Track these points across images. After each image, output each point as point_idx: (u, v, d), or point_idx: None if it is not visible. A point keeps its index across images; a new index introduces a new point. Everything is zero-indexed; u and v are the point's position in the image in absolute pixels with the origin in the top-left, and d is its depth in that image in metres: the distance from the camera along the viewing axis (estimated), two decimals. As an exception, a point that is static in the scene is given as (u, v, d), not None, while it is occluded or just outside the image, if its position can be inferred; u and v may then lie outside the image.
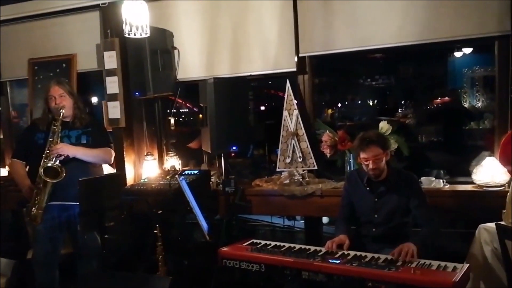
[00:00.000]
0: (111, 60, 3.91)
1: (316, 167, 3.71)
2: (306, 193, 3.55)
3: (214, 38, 3.85)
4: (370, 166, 2.87)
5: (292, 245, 2.95)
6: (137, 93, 3.73)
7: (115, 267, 3.66)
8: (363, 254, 2.73)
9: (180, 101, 6.79)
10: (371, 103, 8.72)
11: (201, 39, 3.89)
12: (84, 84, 4.36)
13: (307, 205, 3.57)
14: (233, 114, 3.43)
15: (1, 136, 4.81)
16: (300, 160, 3.71)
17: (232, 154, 4.54)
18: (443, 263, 2.51)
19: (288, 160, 3.74)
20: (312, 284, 2.64)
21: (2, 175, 4.58)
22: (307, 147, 3.69)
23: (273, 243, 3.02)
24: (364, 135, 2.93)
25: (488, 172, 3.25)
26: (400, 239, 2.82)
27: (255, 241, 3.08)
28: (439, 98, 7.77)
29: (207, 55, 3.88)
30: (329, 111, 8.20)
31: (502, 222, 2.80)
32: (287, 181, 3.65)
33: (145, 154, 4.02)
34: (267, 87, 3.55)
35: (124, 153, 3.95)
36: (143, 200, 3.42)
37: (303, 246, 2.93)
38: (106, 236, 3.45)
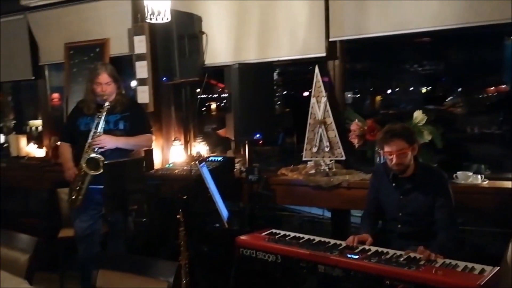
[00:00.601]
0: (140, 45, 3.92)
1: (344, 158, 3.56)
2: (332, 184, 3.43)
3: (242, 22, 3.75)
4: (394, 161, 2.70)
5: (312, 237, 2.86)
6: (164, 78, 3.72)
7: (140, 250, 3.73)
8: (385, 250, 2.60)
9: (223, 86, 6.76)
10: (417, 91, 8.30)
11: (229, 23, 3.80)
12: (117, 68, 4.40)
13: (333, 196, 3.44)
14: (258, 100, 3.34)
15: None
16: (327, 149, 3.57)
17: (260, 142, 4.47)
18: (470, 265, 2.34)
19: (314, 150, 3.61)
20: (328, 278, 2.55)
21: (39, 155, 4.75)
22: (335, 136, 3.55)
23: (292, 234, 2.93)
24: (389, 127, 2.77)
25: None
26: (427, 237, 2.68)
27: (274, 231, 3.01)
28: (493, 86, 7.27)
29: (234, 40, 3.78)
30: (378, 97, 7.86)
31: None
32: (313, 171, 3.54)
33: (173, 139, 4.03)
34: (303, 72, 3.42)
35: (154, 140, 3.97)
36: (166, 185, 3.42)
37: (323, 239, 2.83)
38: (130, 218, 3.55)
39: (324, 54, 3.53)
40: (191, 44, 3.67)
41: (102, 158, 3.28)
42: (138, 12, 3.95)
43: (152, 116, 3.96)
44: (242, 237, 2.88)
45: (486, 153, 4.71)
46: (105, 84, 3.39)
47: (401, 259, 2.46)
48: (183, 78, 3.66)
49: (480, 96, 7.42)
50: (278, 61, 3.69)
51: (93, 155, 3.29)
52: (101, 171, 3.23)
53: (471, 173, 3.24)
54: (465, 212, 3.10)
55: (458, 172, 3.25)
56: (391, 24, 3.35)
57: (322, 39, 3.51)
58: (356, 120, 3.41)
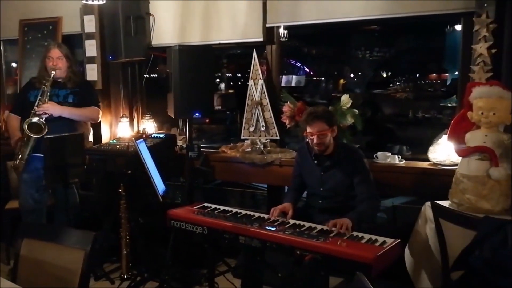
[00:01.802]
0: (90, 24, 3.79)
1: (278, 137, 3.58)
2: (266, 162, 3.43)
3: (187, 5, 3.66)
4: (315, 141, 2.73)
5: (239, 211, 2.86)
6: (110, 57, 3.61)
7: (84, 222, 3.68)
8: (302, 223, 2.63)
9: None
10: (364, 76, 8.33)
11: (175, 5, 3.70)
12: (71, 46, 4.24)
13: (267, 173, 3.45)
14: (198, 81, 3.27)
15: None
16: (263, 129, 3.57)
17: (207, 121, 4.43)
18: (374, 237, 2.38)
19: (252, 129, 3.61)
20: (249, 248, 2.57)
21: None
22: (271, 116, 3.55)
23: (222, 208, 2.92)
24: (311, 109, 2.78)
25: (444, 150, 3.07)
26: (345, 212, 2.71)
27: (206, 205, 2.99)
28: (436, 73, 7.35)
29: (180, 22, 3.69)
30: (341, 81, 7.82)
31: (446, 202, 2.65)
32: (249, 149, 3.53)
33: (121, 115, 3.94)
34: (249, 56, 3.39)
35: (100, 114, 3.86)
36: (110, 160, 3.36)
37: (249, 212, 2.82)
38: (74, 191, 3.48)
39: (261, 39, 3.48)
40: (137, 25, 3.57)
41: (44, 123, 3.18)
42: (87, -9, 3.79)
43: (100, 93, 3.85)
44: (174, 210, 2.86)
45: (416, 136, 4.82)
46: (57, 58, 3.35)
47: (314, 231, 2.49)
48: (128, 57, 3.56)
49: (423, 82, 7.51)
50: (220, 44, 3.62)
51: (35, 119, 3.19)
52: (44, 133, 3.14)
53: (389, 154, 3.30)
54: (383, 188, 3.19)
55: (378, 153, 3.30)
56: (323, 12, 3.32)
57: (259, 25, 3.46)
58: (288, 102, 3.40)
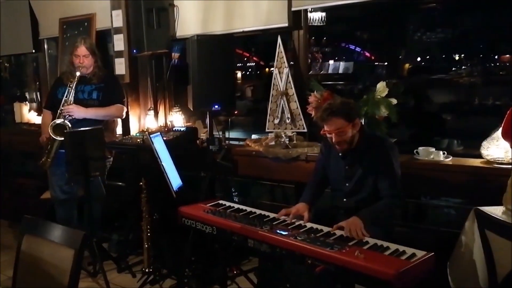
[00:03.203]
0: (117, 18, 3.55)
1: (305, 130, 3.12)
2: (290, 157, 3.00)
3: (211, -6, 3.31)
4: (334, 139, 2.25)
5: (254, 210, 2.47)
6: (134, 51, 3.35)
7: (111, 214, 3.48)
8: (320, 228, 2.18)
9: (248, 54, 6.24)
10: (421, 60, 7.19)
11: (198, -5, 3.36)
12: (103, 41, 4.07)
13: (292, 169, 3.01)
14: (217, 72, 2.92)
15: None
16: (288, 121, 3.14)
17: (236, 112, 4.06)
18: (402, 248, 1.90)
19: (276, 121, 3.18)
20: (258, 252, 2.19)
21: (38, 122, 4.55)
22: (297, 108, 3.10)
23: (236, 206, 2.55)
24: (327, 105, 2.29)
25: (501, 145, 2.41)
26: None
27: (221, 202, 2.64)
28: (508, 54, 6.18)
29: (203, 12, 3.34)
30: (406, 65, 6.81)
31: (500, 207, 2.06)
32: (273, 143, 3.12)
33: (148, 108, 3.69)
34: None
35: (129, 107, 3.65)
36: (128, 153, 3.11)
37: (263, 213, 2.43)
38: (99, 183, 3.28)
39: (286, 24, 3.04)
40: (159, 17, 3.26)
41: (69, 125, 3.05)
42: (116, -13, 3.56)
43: (128, 86, 3.63)
44: (185, 207, 2.53)
45: (477, 127, 3.92)
46: (83, 56, 3.18)
47: (331, 238, 2.04)
48: (150, 50, 3.27)
49: (493, 65, 6.30)
50: (243, 32, 3.22)
51: (59, 121, 3.05)
52: None
53: (432, 149, 2.71)
54: (423, 188, 2.64)
55: (419, 148, 2.74)
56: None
57: (284, 9, 3.02)
58: (315, 92, 2.94)
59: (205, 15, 3.34)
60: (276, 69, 3.09)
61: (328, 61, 6.17)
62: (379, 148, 2.29)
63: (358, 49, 6.81)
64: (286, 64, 3.06)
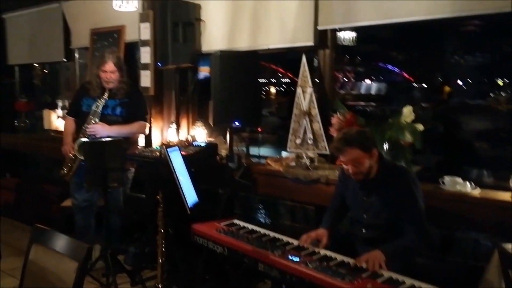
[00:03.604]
0: (145, 31, 3.64)
1: (328, 152, 3.09)
2: (310, 179, 2.97)
3: (237, 10, 3.34)
4: (350, 170, 2.21)
5: (268, 233, 2.46)
6: (159, 64, 3.44)
7: (128, 224, 3.55)
8: (334, 256, 2.15)
9: (282, 70, 6.30)
10: (457, 84, 6.98)
11: (224, 10, 3.40)
12: (132, 53, 4.19)
13: (312, 191, 2.97)
14: (240, 88, 2.95)
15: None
16: (310, 142, 3.12)
17: (259, 129, 4.07)
18: (418, 284, 1.84)
19: (298, 141, 3.16)
20: (268, 277, 2.17)
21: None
22: (320, 128, 3.07)
23: (251, 227, 2.55)
24: (342, 134, 2.26)
25: None
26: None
27: (235, 221, 2.64)
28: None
29: (230, 27, 3.39)
30: (447, 88, 6.62)
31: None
32: (293, 164, 3.11)
33: (171, 122, 3.76)
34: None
35: (152, 119, 3.74)
36: (146, 166, 3.17)
37: (278, 236, 2.41)
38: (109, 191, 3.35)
39: (312, 43, 3.05)
40: (185, 31, 3.34)
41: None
42: (145, 0, 3.69)
43: (152, 99, 3.72)
44: (198, 225, 2.55)
45: (508, 157, 3.77)
46: (110, 72, 3.27)
47: (344, 268, 2.00)
48: (175, 63, 3.35)
49: None
50: (268, 49, 3.25)
51: (84, 139, 3.17)
52: None
53: (459, 179, 2.61)
54: (448, 221, 2.55)
55: (445, 177, 2.65)
56: (382, 12, 2.78)
57: (310, 28, 3.02)
58: (338, 113, 2.91)
59: (231, 31, 3.39)
60: (300, 88, 3.09)
61: (361, 81, 6.12)
62: (400, 181, 2.23)
63: (391, 70, 6.72)
64: (310, 83, 3.06)
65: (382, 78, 6.52)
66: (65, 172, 3.26)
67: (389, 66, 6.82)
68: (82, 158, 3.15)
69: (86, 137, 3.19)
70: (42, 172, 4.97)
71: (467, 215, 2.44)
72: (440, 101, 5.63)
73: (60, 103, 4.88)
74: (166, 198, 3.09)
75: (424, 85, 6.44)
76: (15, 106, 5.16)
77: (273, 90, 6.04)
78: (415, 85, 6.67)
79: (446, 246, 2.81)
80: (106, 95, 3.25)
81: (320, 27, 3.01)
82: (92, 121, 3.23)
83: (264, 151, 3.90)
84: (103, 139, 2.99)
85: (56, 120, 4.80)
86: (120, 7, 2.64)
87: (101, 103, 3.24)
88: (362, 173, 2.22)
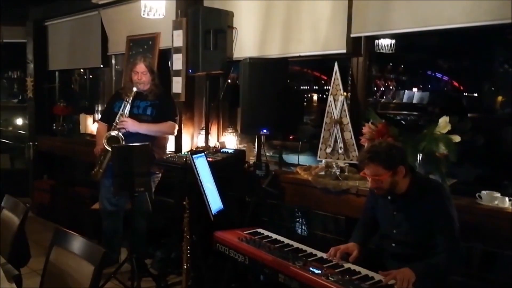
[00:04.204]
0: (178, 38, 3.79)
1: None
2: (340, 189, 2.94)
3: (269, 17, 3.38)
4: (370, 184, 2.22)
5: (291, 243, 2.46)
6: (190, 70, 3.55)
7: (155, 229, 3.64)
8: (358, 269, 2.12)
9: (325, 77, 6.35)
10: (505, 94, 6.70)
11: (256, 17, 3.46)
12: (166, 60, 4.33)
13: (341, 202, 2.95)
14: (268, 96, 3.00)
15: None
16: (341, 151, 3.10)
17: (291, 137, 4.08)
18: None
19: (329, 150, 3.15)
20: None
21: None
22: (351, 138, 3.05)
23: (274, 237, 2.57)
24: (370, 147, 2.25)
25: None
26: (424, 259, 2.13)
27: (259, 230, 2.67)
28: None
29: (260, 34, 3.44)
30: (499, 98, 6.41)
31: None
32: (322, 173, 3.10)
33: (201, 128, 3.85)
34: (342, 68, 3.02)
35: (182, 125, 3.85)
36: (172, 171, 3.27)
37: (301, 247, 2.41)
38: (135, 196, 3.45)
39: (344, 51, 3.05)
40: (216, 38, 3.43)
41: (122, 137, 3.31)
42: (178, 8, 3.83)
43: (183, 105, 3.83)
44: (220, 233, 2.60)
45: None
46: (141, 73, 3.46)
47: (368, 282, 1.98)
48: (205, 70, 3.45)
49: None
50: (299, 56, 3.28)
51: (113, 133, 3.31)
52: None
53: (497, 194, 2.52)
54: (484, 237, 2.45)
55: (482, 192, 2.56)
56: (419, 19, 2.75)
57: (343, 35, 3.02)
58: (369, 122, 2.88)
59: (263, 38, 3.44)
60: (332, 96, 3.09)
61: (404, 90, 6.03)
62: (433, 197, 2.17)
63: (434, 79, 6.57)
64: (342, 91, 3.05)
65: (429, 86, 6.38)
66: (95, 170, 3.41)
67: (437, 74, 6.66)
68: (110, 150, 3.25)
69: (116, 131, 3.33)
70: (76, 175, 5.21)
71: (505, 231, 2.34)
72: (489, 111, 5.44)
73: (98, 108, 5.12)
74: (193, 204, 3.17)
75: (472, 94, 6.26)
76: (53, 110, 5.46)
77: (315, 97, 6.08)
78: (456, 94, 6.48)
79: (483, 264, 2.70)
80: (133, 92, 3.40)
81: (353, 34, 3.00)
82: (122, 116, 3.37)
83: (304, 159, 3.91)
84: (131, 144, 3.11)
85: (92, 125, 5.03)
86: (148, 14, 2.77)
87: (129, 99, 3.39)
88: (382, 189, 2.20)
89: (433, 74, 6.58)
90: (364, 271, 2.10)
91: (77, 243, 1.95)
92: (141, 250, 3.51)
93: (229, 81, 3.62)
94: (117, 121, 3.37)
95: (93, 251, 1.86)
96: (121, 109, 3.40)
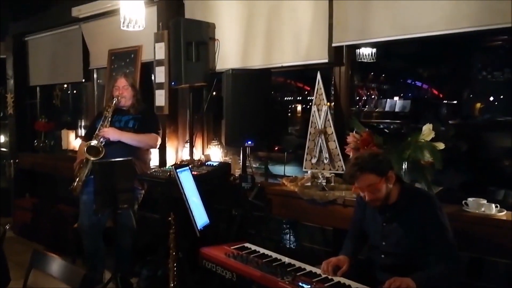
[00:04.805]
0: (160, 51, 3.72)
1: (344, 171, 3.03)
2: (327, 200, 2.89)
3: (251, 28, 3.36)
4: (367, 197, 2.15)
5: (279, 257, 2.40)
6: (173, 83, 3.49)
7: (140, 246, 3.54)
8: (348, 283, 2.07)
9: (308, 88, 6.35)
10: (491, 100, 6.77)
11: (239, 28, 3.43)
12: (148, 73, 4.27)
13: (328, 213, 2.90)
14: (252, 107, 2.95)
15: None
16: (326, 161, 3.07)
17: (276, 148, 4.04)
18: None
19: (314, 160, 3.12)
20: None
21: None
22: (336, 147, 3.03)
23: (262, 251, 2.50)
24: (354, 159, 2.18)
25: None
26: (412, 273, 2.06)
27: (246, 245, 2.60)
28: None
29: (243, 45, 3.41)
30: (478, 104, 6.48)
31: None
32: (308, 184, 3.05)
33: (185, 141, 3.78)
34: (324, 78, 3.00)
35: (166, 139, 3.77)
36: (155, 186, 3.18)
37: (290, 261, 2.34)
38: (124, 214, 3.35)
39: (326, 60, 3.02)
40: (198, 50, 3.38)
41: (101, 146, 3.22)
42: (160, 20, 3.78)
43: (167, 118, 3.76)
44: (206, 248, 2.52)
45: None
46: (122, 87, 3.43)
47: (358, 296, 1.93)
48: (188, 82, 3.39)
49: None
50: (282, 67, 3.25)
51: (94, 142, 3.22)
52: (101, 156, 3.17)
53: (484, 201, 2.50)
54: (472, 245, 2.42)
55: (469, 199, 2.54)
56: (399, 27, 2.74)
57: (325, 45, 3.00)
58: (354, 132, 2.85)
59: (245, 49, 3.41)
60: (315, 106, 3.06)
61: (385, 98, 6.06)
62: (424, 207, 2.13)
63: (419, 86, 6.62)
64: (325, 101, 3.03)
65: (409, 94, 6.42)
66: (75, 184, 3.30)
67: (417, 83, 6.72)
68: (92, 159, 3.18)
69: (97, 140, 3.24)
70: (59, 192, 5.07)
71: (492, 238, 2.32)
72: (469, 117, 5.50)
73: (80, 123, 5.01)
74: (178, 220, 3.08)
75: (452, 101, 6.31)
76: (35, 126, 5.32)
77: (299, 108, 6.07)
78: (437, 102, 6.54)
79: (472, 271, 2.68)
80: (114, 102, 3.35)
81: (334, 44, 2.98)
82: (102, 127, 3.30)
83: (290, 170, 3.86)
84: (113, 160, 3.02)
85: (74, 140, 4.92)
86: (128, 26, 2.72)
87: (110, 110, 3.34)
88: (379, 199, 2.14)
89: (413, 82, 6.64)
90: (354, 285, 2.05)
91: (56, 265, 1.87)
92: (126, 268, 3.40)
93: (214, 93, 3.55)
94: (97, 132, 3.29)
95: (72, 273, 1.78)
96: (100, 122, 3.33)
